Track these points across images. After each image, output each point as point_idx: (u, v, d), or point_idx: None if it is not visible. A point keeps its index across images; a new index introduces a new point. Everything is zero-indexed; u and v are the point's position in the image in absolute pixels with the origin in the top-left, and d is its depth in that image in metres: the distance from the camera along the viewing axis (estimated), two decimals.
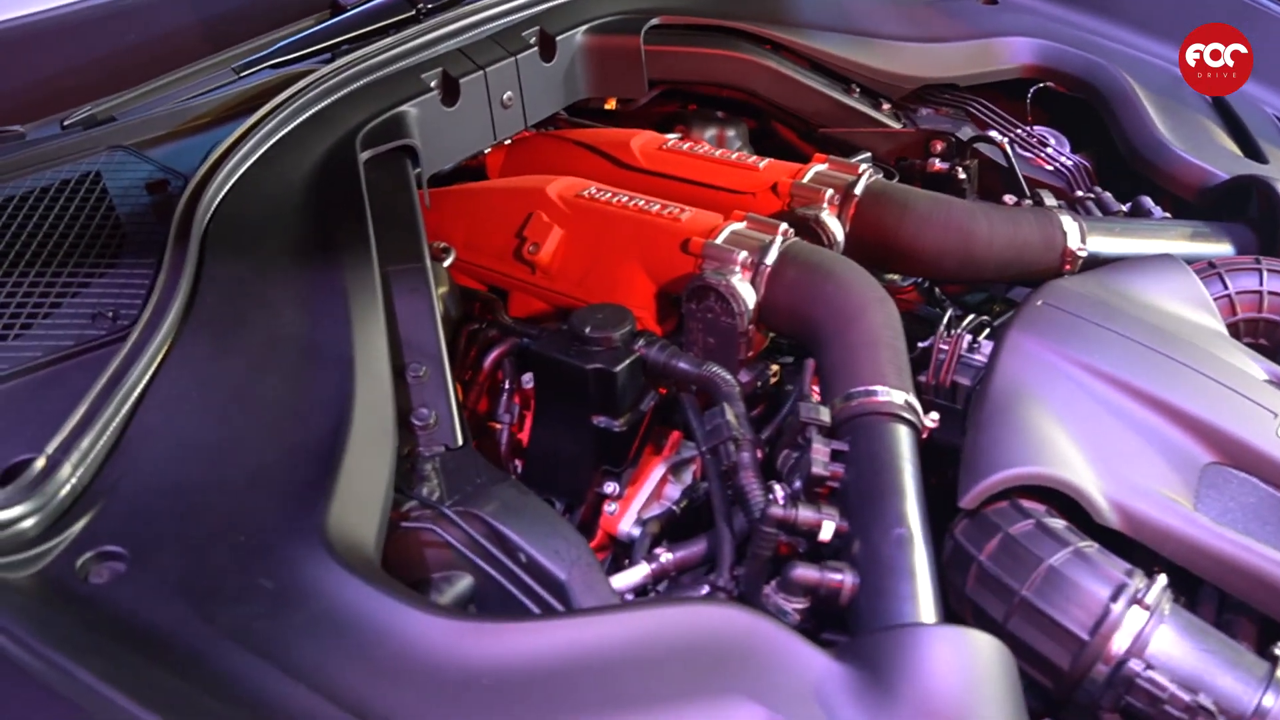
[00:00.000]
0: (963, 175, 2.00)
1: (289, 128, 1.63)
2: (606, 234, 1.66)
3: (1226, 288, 1.58)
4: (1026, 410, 1.32)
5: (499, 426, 1.58)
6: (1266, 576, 1.20)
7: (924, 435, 1.33)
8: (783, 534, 1.24)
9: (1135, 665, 1.10)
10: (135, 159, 1.57)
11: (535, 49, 1.92)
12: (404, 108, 1.72)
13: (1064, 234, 1.64)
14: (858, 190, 1.67)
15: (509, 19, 1.95)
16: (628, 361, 1.45)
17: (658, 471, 1.52)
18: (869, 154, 2.01)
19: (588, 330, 1.46)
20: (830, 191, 1.67)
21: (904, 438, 1.29)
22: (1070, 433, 1.30)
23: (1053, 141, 2.13)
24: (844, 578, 1.17)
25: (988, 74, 2.16)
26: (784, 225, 1.56)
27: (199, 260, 1.39)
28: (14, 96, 1.70)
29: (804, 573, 1.18)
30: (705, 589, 1.29)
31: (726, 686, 1.01)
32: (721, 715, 0.99)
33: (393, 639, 1.01)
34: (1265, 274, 1.59)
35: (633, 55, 1.99)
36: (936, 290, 1.85)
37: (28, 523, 1.09)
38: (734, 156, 1.83)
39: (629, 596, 1.33)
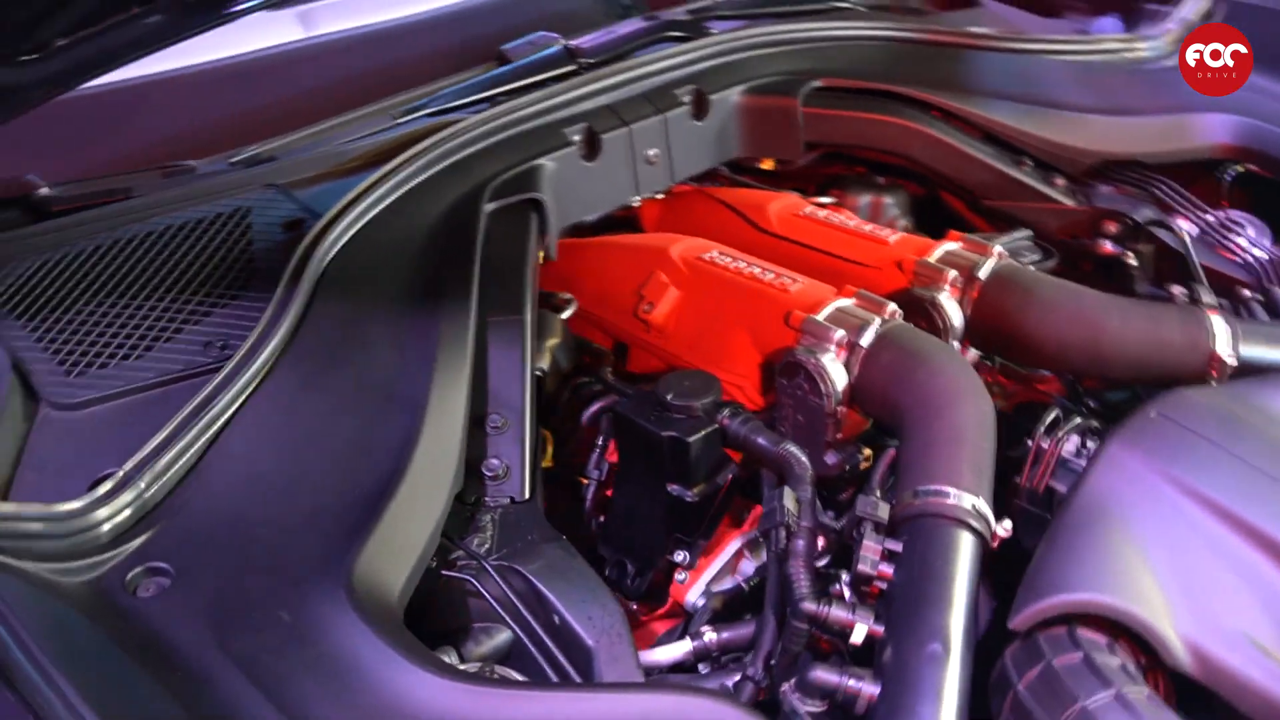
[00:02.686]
0: (1133, 261, 1.86)
1: (424, 176, 1.70)
2: (720, 299, 1.65)
3: None
4: (1108, 530, 1.21)
5: (587, 482, 1.60)
6: None
7: (995, 544, 1.25)
8: (819, 630, 1.19)
9: None
10: (284, 198, 1.69)
11: (686, 107, 1.93)
12: (541, 161, 1.77)
13: (1211, 336, 1.50)
14: (982, 273, 1.59)
15: (666, 76, 1.97)
16: (704, 432, 1.43)
17: (733, 545, 1.49)
18: (1029, 231, 1.90)
19: (670, 397, 1.45)
20: (954, 273, 1.59)
21: (965, 545, 1.21)
22: (1155, 561, 1.18)
23: (1250, 230, 1.95)
24: (863, 687, 1.11)
25: (1178, 152, 2.00)
26: (892, 305, 1.50)
27: (310, 299, 1.48)
28: (194, 135, 1.87)
29: (823, 675, 1.13)
30: (737, 677, 1.26)
31: None
32: None
33: (381, 689, 1.04)
34: None
35: (789, 117, 1.97)
36: (1079, 385, 1.72)
37: (99, 530, 1.19)
38: (868, 228, 1.78)
39: (664, 671, 1.32)
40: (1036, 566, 1.19)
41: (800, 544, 1.29)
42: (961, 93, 2.05)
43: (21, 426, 1.34)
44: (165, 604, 1.12)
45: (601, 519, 1.59)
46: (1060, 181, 2.01)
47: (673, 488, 1.45)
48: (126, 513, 1.20)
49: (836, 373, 1.45)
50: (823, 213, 1.84)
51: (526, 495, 1.38)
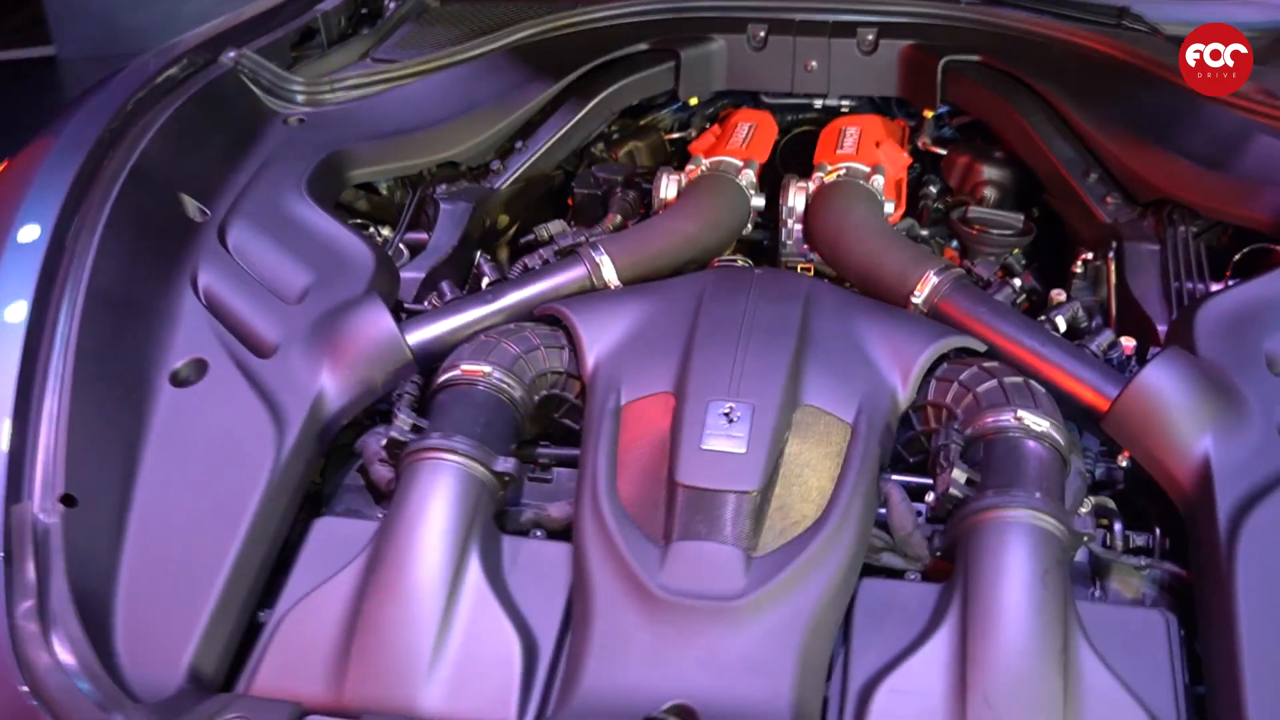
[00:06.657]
0: (1078, 268, 2.07)
1: (623, 21, 2.57)
2: (718, 136, 2.38)
3: (954, 378, 1.67)
4: (646, 294, 1.80)
5: None
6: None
7: (608, 287, 1.89)
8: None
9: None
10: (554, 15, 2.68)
11: (854, 40, 2.49)
12: (712, 35, 2.52)
13: (919, 284, 1.82)
14: (828, 179, 2.07)
15: (863, 18, 2.52)
16: (599, 191, 2.24)
17: None
18: (1022, 215, 2.18)
19: (594, 169, 2.26)
20: (820, 175, 2.10)
21: (576, 273, 1.89)
22: (646, 324, 1.75)
23: None
24: None
25: (1225, 214, 2.03)
26: (750, 172, 2.11)
27: (487, 52, 2.49)
28: None
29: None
30: None
31: None
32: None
33: (283, 198, 2.08)
34: (993, 381, 1.63)
35: (929, 73, 2.42)
36: None
37: (303, 96, 2.38)
38: (849, 145, 2.27)
39: None
40: None
41: (540, 250, 2.05)
42: (1090, 102, 2.27)
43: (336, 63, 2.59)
44: (285, 129, 2.29)
45: None
46: (1110, 200, 2.17)
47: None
48: (314, 98, 2.39)
49: (667, 185, 2.14)
50: (853, 129, 2.34)
51: (502, 187, 2.30)
